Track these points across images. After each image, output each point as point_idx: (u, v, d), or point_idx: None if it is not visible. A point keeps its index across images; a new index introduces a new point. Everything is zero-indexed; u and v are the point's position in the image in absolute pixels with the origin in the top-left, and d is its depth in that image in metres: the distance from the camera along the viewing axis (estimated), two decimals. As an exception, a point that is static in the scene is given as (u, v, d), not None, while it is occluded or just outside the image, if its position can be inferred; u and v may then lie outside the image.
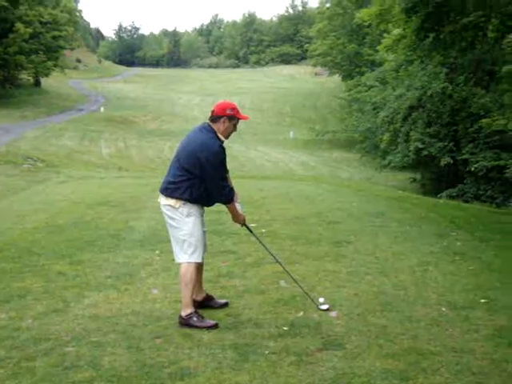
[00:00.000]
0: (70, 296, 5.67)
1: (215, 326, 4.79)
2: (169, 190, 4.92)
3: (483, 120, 20.15)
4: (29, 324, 4.91)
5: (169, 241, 5.13)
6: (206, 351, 4.32)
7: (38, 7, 53.42)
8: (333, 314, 5.10)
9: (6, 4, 46.77)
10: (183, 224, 4.89)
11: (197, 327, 4.77)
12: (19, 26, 47.80)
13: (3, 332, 4.72)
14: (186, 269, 4.89)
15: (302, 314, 5.08)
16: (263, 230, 8.66)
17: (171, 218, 4.94)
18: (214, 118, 4.94)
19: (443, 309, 5.26)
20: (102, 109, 53.17)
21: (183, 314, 4.87)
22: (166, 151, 35.43)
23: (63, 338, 4.59)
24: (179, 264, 4.98)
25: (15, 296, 5.66)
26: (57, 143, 32.61)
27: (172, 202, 4.89)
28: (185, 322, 4.83)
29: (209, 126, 4.96)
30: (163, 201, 4.97)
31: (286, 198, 12.57)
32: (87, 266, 6.83)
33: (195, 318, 4.83)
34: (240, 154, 37.53)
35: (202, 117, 43.49)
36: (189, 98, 71.14)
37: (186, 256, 4.91)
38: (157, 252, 7.39)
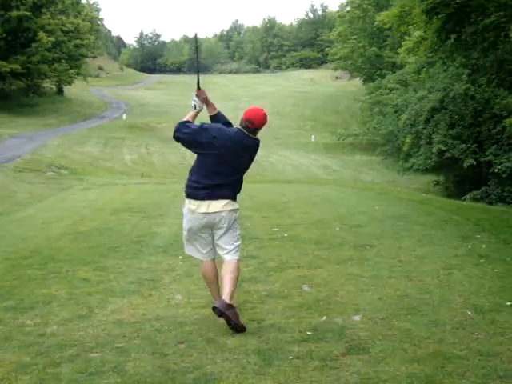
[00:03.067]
0: (94, 302, 5.70)
1: (243, 328, 4.74)
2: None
3: (506, 120, 19.93)
4: (54, 330, 4.94)
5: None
6: (230, 356, 4.31)
7: (60, 16, 54.12)
8: (356, 317, 5.07)
9: (28, 14, 47.42)
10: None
11: (230, 320, 4.64)
12: (42, 35, 48.45)
13: (28, 338, 4.76)
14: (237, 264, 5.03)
15: (325, 318, 5.05)
16: (285, 235, 8.65)
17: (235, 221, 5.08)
18: (253, 130, 5.08)
19: (469, 312, 5.20)
20: (124, 116, 53.46)
21: (229, 302, 4.69)
22: (188, 157, 35.39)
23: (88, 343, 4.62)
24: (234, 261, 5.01)
25: (40, 302, 5.71)
26: (80, 150, 32.90)
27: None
28: (227, 308, 4.63)
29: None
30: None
31: (308, 202, 12.55)
32: (111, 272, 6.86)
33: (235, 311, 4.71)
34: (262, 158, 37.42)
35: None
36: (210, 103, 71.27)
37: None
38: (180, 257, 7.39)
